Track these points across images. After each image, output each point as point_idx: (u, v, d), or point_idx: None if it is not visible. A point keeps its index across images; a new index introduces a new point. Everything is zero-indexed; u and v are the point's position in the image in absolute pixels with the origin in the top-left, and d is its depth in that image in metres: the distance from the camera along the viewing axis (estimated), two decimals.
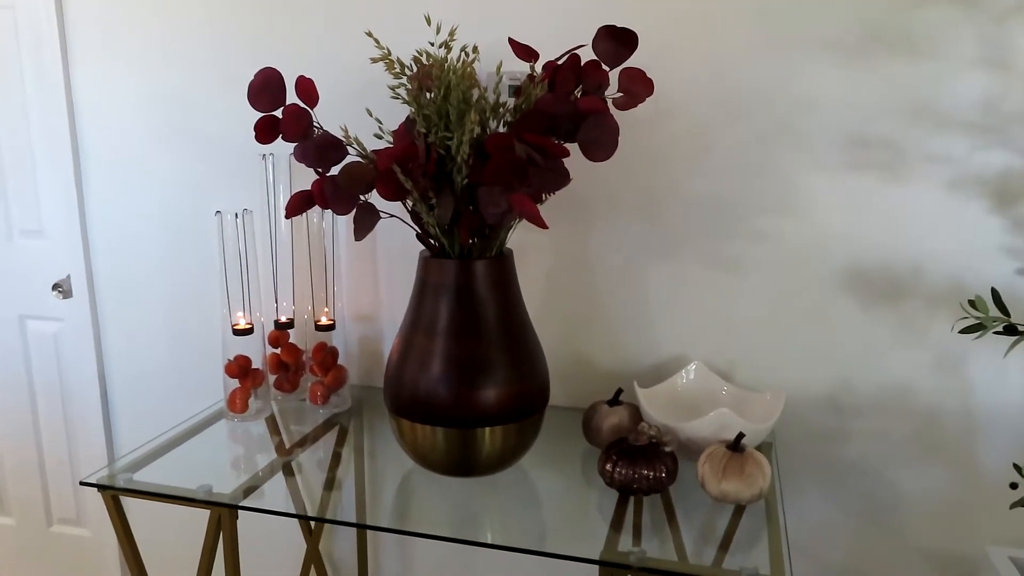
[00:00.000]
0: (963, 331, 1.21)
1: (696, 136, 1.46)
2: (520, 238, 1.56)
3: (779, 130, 1.42)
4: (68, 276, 1.90)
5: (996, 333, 1.20)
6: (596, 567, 1.10)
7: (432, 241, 1.25)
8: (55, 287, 1.90)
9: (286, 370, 1.61)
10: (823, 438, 1.52)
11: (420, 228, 1.25)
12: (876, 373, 1.47)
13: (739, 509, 1.22)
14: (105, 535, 2.03)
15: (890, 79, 1.36)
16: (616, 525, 1.19)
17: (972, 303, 1.21)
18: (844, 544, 1.56)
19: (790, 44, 1.38)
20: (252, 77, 1.21)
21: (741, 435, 1.21)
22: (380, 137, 1.30)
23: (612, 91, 1.19)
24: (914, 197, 1.39)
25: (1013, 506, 1.22)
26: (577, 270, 1.57)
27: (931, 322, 1.42)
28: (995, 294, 1.22)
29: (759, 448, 1.37)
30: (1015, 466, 1.26)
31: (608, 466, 1.23)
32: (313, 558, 1.78)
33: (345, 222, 1.63)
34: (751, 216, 1.47)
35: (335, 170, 1.20)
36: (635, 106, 1.18)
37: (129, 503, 1.94)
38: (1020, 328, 1.18)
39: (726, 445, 1.21)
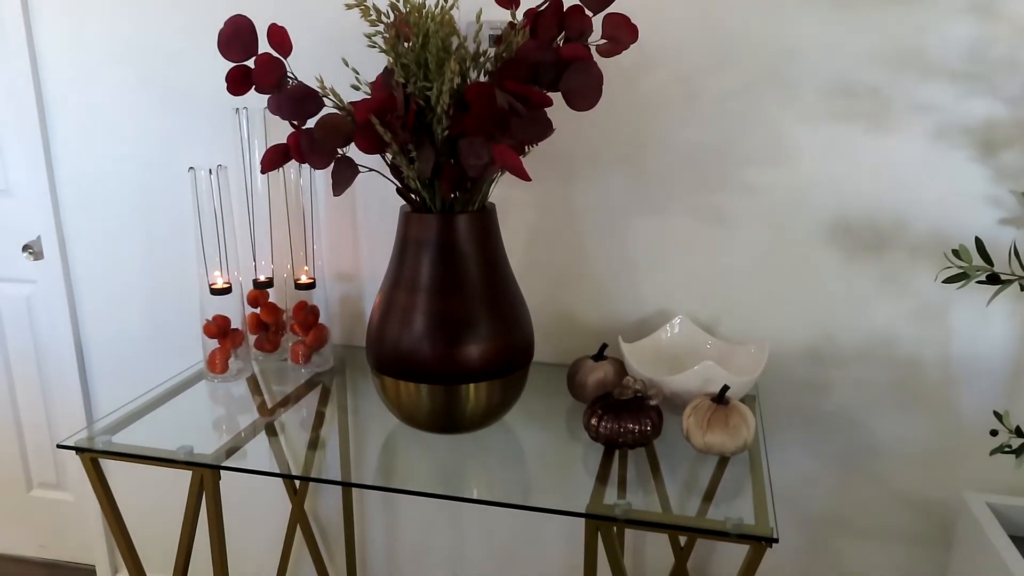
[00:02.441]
0: (946, 280, 1.21)
1: (682, 85, 1.43)
2: (503, 193, 1.54)
3: (765, 79, 1.40)
4: (38, 237, 1.86)
5: (979, 282, 1.20)
6: (582, 520, 1.10)
7: (413, 195, 1.22)
8: (25, 248, 1.85)
9: (266, 330, 1.58)
10: (806, 389, 1.53)
11: (400, 182, 1.22)
12: (859, 324, 1.47)
13: (723, 461, 1.23)
14: (87, 499, 2.01)
15: (877, 26, 1.33)
16: (602, 478, 1.19)
17: (956, 252, 1.21)
18: (826, 492, 1.58)
19: None
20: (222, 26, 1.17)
21: (726, 388, 1.21)
22: (357, 88, 1.26)
23: (596, 38, 1.16)
24: (899, 147, 1.38)
25: (993, 452, 1.24)
26: (561, 225, 1.55)
27: (914, 272, 1.42)
28: (979, 243, 1.22)
29: (743, 400, 1.37)
30: (995, 413, 1.27)
31: (593, 420, 1.22)
32: (299, 518, 1.78)
33: (323, 177, 1.60)
34: (737, 168, 1.45)
35: (311, 123, 1.16)
36: (619, 53, 1.15)
37: (111, 467, 1.92)
38: (1003, 277, 1.18)
39: (711, 398, 1.21)
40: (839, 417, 1.53)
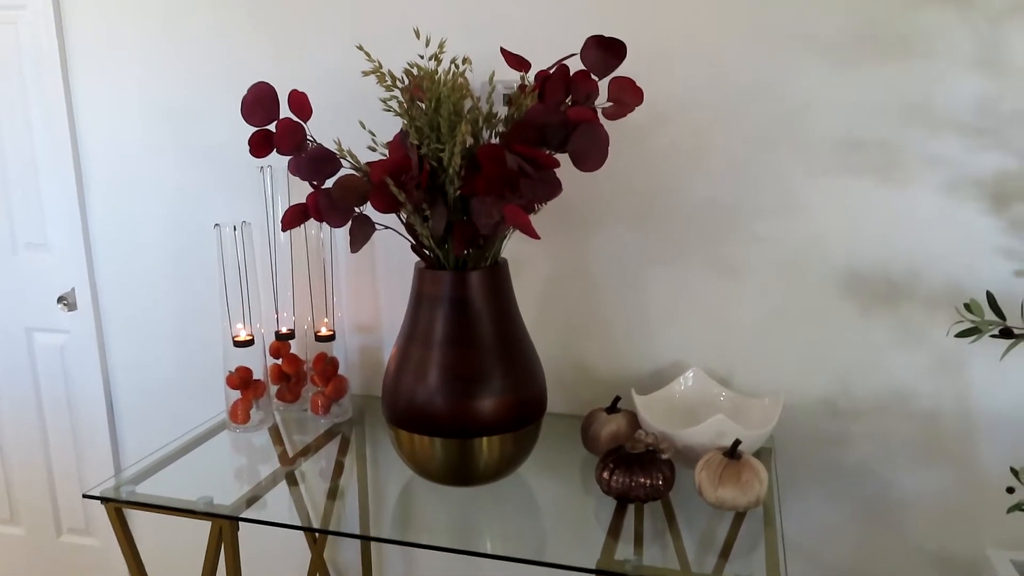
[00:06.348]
0: (959, 335, 1.20)
1: (692, 141, 1.46)
2: (516, 247, 1.57)
3: (775, 133, 1.42)
4: (73, 289, 1.92)
5: (992, 336, 1.19)
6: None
7: (427, 252, 1.25)
8: (60, 300, 1.92)
9: (287, 381, 1.62)
10: (823, 442, 1.52)
11: (415, 239, 1.26)
12: (874, 376, 1.46)
13: (739, 515, 1.22)
14: (114, 544, 2.05)
15: (885, 81, 1.35)
16: (614, 533, 1.19)
17: (967, 307, 1.21)
18: (845, 546, 1.55)
19: (785, 46, 1.38)
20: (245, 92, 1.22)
21: (737, 442, 1.21)
22: (374, 149, 1.30)
23: (602, 100, 1.19)
24: (910, 199, 1.38)
25: (1010, 510, 1.22)
26: (574, 277, 1.58)
27: (929, 325, 1.41)
28: (990, 297, 1.21)
29: (758, 453, 1.37)
30: (1012, 470, 1.25)
31: (605, 474, 1.23)
32: (318, 566, 1.79)
33: (343, 233, 1.64)
34: (748, 220, 1.47)
35: (330, 183, 1.20)
36: (625, 115, 1.18)
37: (137, 514, 1.96)
38: (1016, 331, 1.18)
39: (723, 452, 1.21)
40: (857, 470, 1.51)
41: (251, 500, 1.31)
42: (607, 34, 1.37)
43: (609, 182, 1.51)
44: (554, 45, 1.47)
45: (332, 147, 1.24)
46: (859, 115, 1.38)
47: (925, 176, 1.37)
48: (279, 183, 1.60)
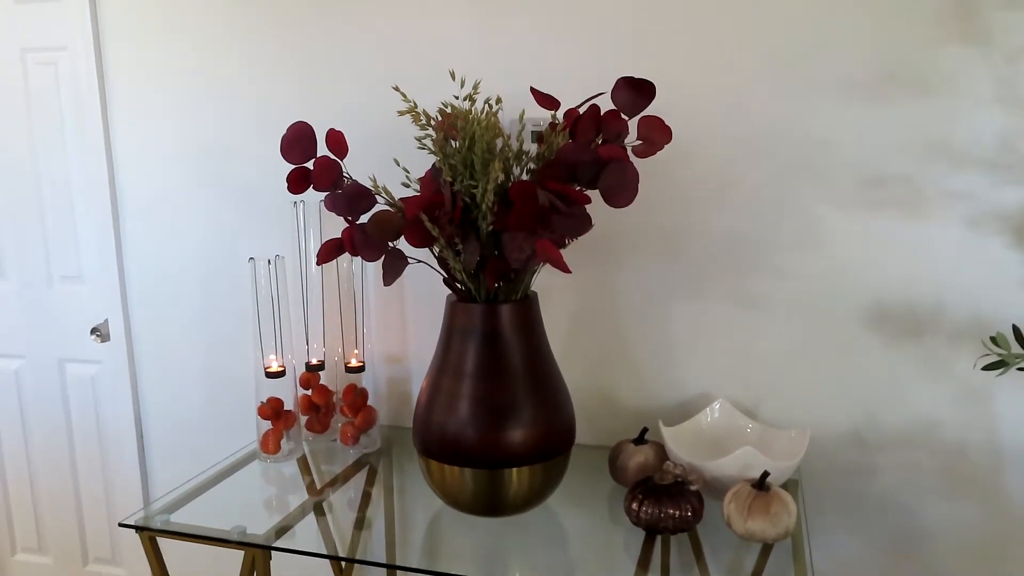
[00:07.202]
0: (985, 368, 1.22)
1: (717, 176, 1.49)
2: (544, 279, 1.59)
3: (799, 169, 1.45)
4: (106, 320, 1.96)
5: (1019, 369, 1.20)
6: None
7: (459, 285, 1.28)
8: (93, 331, 1.95)
9: (317, 411, 1.64)
10: (849, 473, 1.52)
11: (447, 273, 1.29)
12: (901, 408, 1.47)
13: (766, 547, 1.23)
14: (140, 574, 2.06)
15: (907, 118, 1.38)
16: (643, 564, 1.20)
17: (994, 340, 1.22)
18: None
19: (808, 85, 1.41)
20: (284, 130, 1.26)
21: (766, 474, 1.22)
22: (408, 185, 1.34)
23: (631, 138, 1.23)
24: (934, 233, 1.40)
25: None
26: (601, 309, 1.60)
27: (954, 357, 1.42)
28: (1016, 331, 1.22)
29: (785, 485, 1.38)
30: None
31: (634, 505, 1.24)
32: None
33: (373, 266, 1.67)
34: (772, 254, 1.49)
35: (364, 218, 1.24)
36: (654, 154, 1.21)
37: (165, 541, 1.97)
38: None
39: (751, 484, 1.22)
40: (884, 501, 1.51)
41: (280, 530, 1.33)
42: (629, 73, 1.41)
43: (634, 216, 1.54)
44: (580, 83, 1.50)
45: (367, 183, 1.27)
46: (882, 151, 1.40)
47: (948, 211, 1.39)
48: (312, 216, 1.64)
